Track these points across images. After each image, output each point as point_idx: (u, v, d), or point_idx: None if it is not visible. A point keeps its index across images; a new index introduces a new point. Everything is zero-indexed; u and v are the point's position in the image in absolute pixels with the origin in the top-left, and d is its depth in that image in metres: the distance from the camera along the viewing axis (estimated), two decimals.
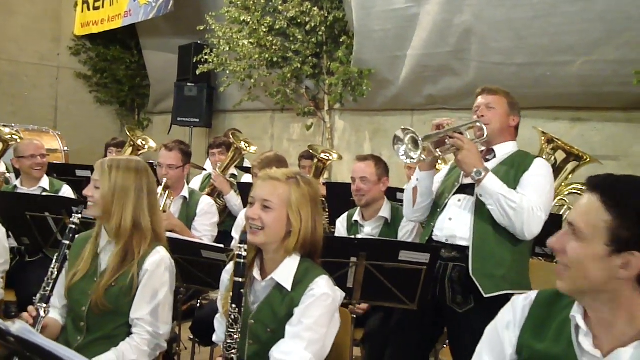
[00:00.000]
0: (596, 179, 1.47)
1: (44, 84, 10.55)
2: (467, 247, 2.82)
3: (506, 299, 2.75)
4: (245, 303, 2.12)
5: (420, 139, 2.78)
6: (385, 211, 3.69)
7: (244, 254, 2.06)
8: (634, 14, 4.53)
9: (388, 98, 6.73)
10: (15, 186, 4.46)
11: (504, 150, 2.98)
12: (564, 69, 5.04)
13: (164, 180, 3.98)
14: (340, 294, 2.15)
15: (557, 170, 4.06)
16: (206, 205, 4.09)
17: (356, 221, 3.75)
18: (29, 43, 10.29)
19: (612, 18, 4.67)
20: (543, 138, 4.17)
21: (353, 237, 3.39)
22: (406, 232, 3.63)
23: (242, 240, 2.08)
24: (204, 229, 4.02)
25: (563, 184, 4.04)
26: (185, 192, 4.12)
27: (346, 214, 3.86)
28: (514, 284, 2.78)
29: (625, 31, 4.62)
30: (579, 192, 4.25)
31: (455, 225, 2.90)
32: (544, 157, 4.03)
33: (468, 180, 2.89)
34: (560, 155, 4.10)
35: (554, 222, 3.74)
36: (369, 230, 3.69)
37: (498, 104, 2.97)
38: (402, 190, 4.54)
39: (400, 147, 2.87)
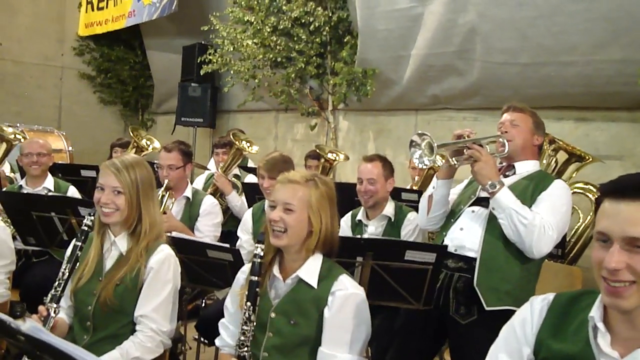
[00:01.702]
0: (633, 185, 1.40)
1: (48, 84, 10.57)
2: (474, 259, 2.82)
3: (509, 314, 2.78)
4: (266, 298, 2.20)
5: (436, 145, 2.79)
6: (388, 210, 3.70)
7: (261, 253, 2.16)
8: (638, 13, 4.52)
9: (392, 98, 6.72)
10: (21, 186, 4.48)
11: (525, 167, 2.98)
12: (568, 68, 5.03)
13: (166, 181, 3.98)
14: (362, 290, 2.21)
15: (559, 172, 4.06)
16: (209, 206, 4.09)
17: (360, 220, 3.76)
18: (33, 43, 10.31)
19: (617, 18, 4.65)
20: (545, 139, 4.17)
21: (359, 236, 3.39)
22: (408, 230, 3.64)
23: (259, 240, 2.19)
24: (206, 229, 4.02)
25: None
26: (188, 192, 4.12)
27: (350, 213, 3.87)
28: (518, 301, 2.73)
29: (629, 31, 4.60)
30: (582, 192, 4.24)
31: (466, 235, 2.91)
32: (545, 158, 4.03)
33: (485, 194, 2.88)
34: (562, 156, 4.10)
35: None
36: (372, 229, 3.70)
37: (523, 122, 2.98)
38: (406, 190, 4.58)
39: (416, 151, 2.89)
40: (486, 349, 1.76)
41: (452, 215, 3.07)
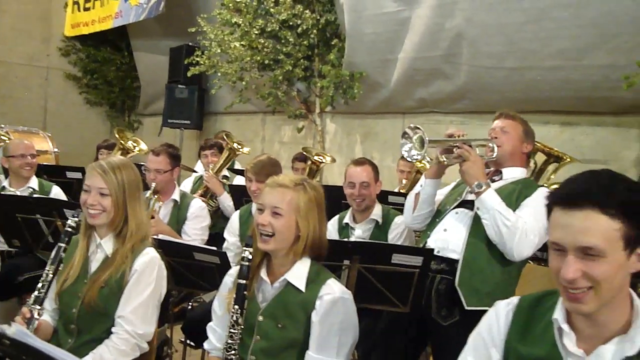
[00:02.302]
0: (580, 193, 1.42)
1: (34, 85, 10.49)
2: (456, 260, 2.85)
3: None
4: (254, 302, 2.20)
5: (427, 139, 2.81)
6: (376, 213, 3.70)
7: (250, 256, 2.16)
8: (624, 19, 4.57)
9: (379, 101, 6.74)
10: (4, 187, 4.44)
11: (512, 174, 3.02)
12: (555, 73, 5.07)
13: (153, 185, 3.96)
14: (350, 294, 2.22)
15: (538, 172, 4.07)
16: (197, 209, 4.08)
17: (347, 224, 3.76)
18: (18, 43, 10.24)
19: (603, 23, 4.69)
20: None
21: (346, 240, 3.39)
22: (396, 234, 3.65)
23: (247, 244, 2.18)
24: (194, 233, 4.00)
25: (545, 184, 4.05)
26: (176, 195, 4.10)
27: (337, 216, 3.87)
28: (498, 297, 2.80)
29: (615, 37, 4.65)
30: None
31: (449, 236, 2.94)
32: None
33: (471, 197, 2.92)
34: (540, 157, 4.10)
35: None
36: (359, 232, 3.70)
37: (513, 129, 3.03)
38: (393, 193, 4.59)
39: (407, 144, 2.91)
40: (462, 350, 1.77)
41: (437, 215, 3.10)
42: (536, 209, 2.78)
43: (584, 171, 1.51)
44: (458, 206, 3.01)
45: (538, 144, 4.03)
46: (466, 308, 2.77)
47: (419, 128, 2.89)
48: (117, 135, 6.06)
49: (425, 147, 2.83)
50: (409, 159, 2.94)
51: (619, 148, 5.06)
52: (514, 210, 2.79)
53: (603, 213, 1.39)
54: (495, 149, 2.99)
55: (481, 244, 2.83)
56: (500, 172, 3.04)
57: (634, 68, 4.31)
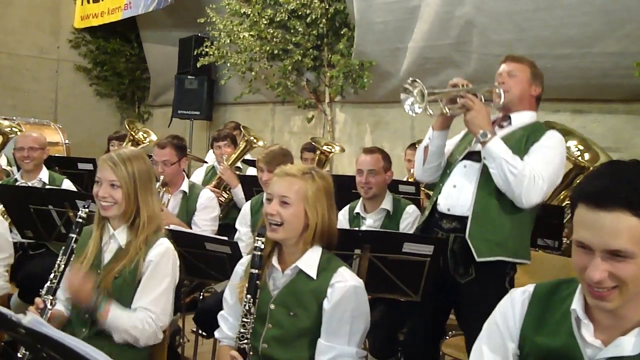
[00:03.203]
0: (609, 193, 1.36)
1: (44, 77, 10.54)
2: (467, 217, 2.83)
3: (503, 268, 2.79)
4: (265, 290, 2.21)
5: (427, 92, 2.75)
6: (387, 203, 3.70)
7: (262, 246, 2.15)
8: (634, 6, 4.52)
9: (389, 90, 6.71)
10: (16, 179, 4.47)
11: (521, 119, 2.94)
12: (565, 61, 5.03)
13: (161, 177, 3.96)
14: (361, 282, 2.22)
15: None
16: (206, 200, 4.06)
17: (358, 213, 3.76)
18: (29, 36, 10.28)
19: (613, 10, 4.65)
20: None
21: (357, 229, 3.40)
22: (407, 224, 3.64)
23: (260, 234, 2.17)
24: (204, 224, 4.00)
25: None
26: (184, 187, 4.09)
27: (348, 206, 3.87)
28: (510, 252, 2.79)
29: (625, 23, 4.61)
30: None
31: (459, 193, 2.90)
32: None
33: (479, 147, 2.86)
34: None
35: (555, 214, 3.75)
36: (370, 222, 3.71)
37: (521, 72, 2.94)
38: (404, 183, 4.59)
39: (408, 98, 2.85)
40: (481, 306, 1.74)
41: (447, 167, 3.05)
42: (545, 154, 2.76)
43: (609, 162, 1.46)
44: (466, 157, 2.96)
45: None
46: (477, 260, 2.75)
47: (417, 81, 2.82)
48: (127, 127, 6.08)
49: (425, 99, 2.76)
50: (411, 113, 2.85)
51: (630, 135, 5.03)
52: (523, 157, 2.76)
53: (634, 214, 1.34)
54: (502, 94, 2.90)
55: (490, 196, 2.80)
56: (509, 118, 2.97)
57: None
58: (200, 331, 3.68)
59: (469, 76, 5.78)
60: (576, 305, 1.51)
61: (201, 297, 4.17)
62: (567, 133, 3.90)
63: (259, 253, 2.15)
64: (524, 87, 2.94)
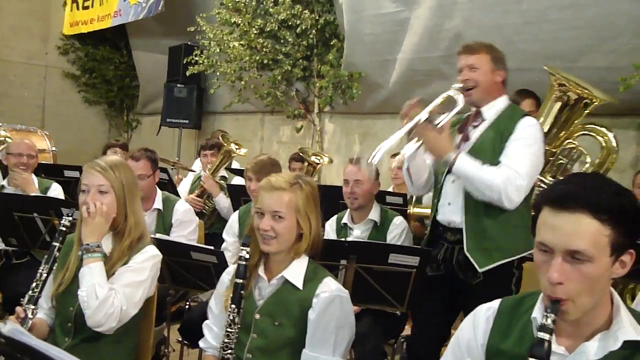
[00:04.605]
0: (572, 196, 1.42)
1: (32, 83, 10.48)
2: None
3: (510, 268, 2.84)
4: (250, 299, 2.20)
5: (373, 159, 2.76)
6: (374, 214, 3.70)
7: (247, 256, 2.16)
8: (620, 22, 4.59)
9: (378, 101, 6.74)
10: (3, 186, 4.43)
11: (493, 110, 2.91)
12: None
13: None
14: (347, 292, 2.22)
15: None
16: (181, 214, 3.92)
17: (345, 224, 3.76)
18: (17, 42, 10.23)
19: (600, 26, 4.71)
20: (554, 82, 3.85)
21: (343, 240, 3.40)
22: (395, 235, 3.64)
23: (245, 243, 2.17)
24: (181, 239, 3.88)
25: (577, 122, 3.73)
26: (158, 203, 3.93)
27: (335, 216, 3.87)
28: (511, 252, 2.81)
29: (612, 39, 4.67)
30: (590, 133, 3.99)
31: (454, 209, 2.91)
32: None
33: None
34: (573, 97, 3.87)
35: None
36: (358, 233, 3.70)
37: (481, 63, 2.87)
38: (391, 194, 4.59)
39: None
40: None
41: (436, 181, 3.05)
42: (520, 148, 2.75)
43: (573, 173, 1.53)
44: (450, 171, 2.90)
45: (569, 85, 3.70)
46: (480, 271, 2.78)
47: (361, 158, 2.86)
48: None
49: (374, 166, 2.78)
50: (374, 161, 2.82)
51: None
52: (500, 154, 2.75)
53: (595, 218, 1.39)
54: (459, 99, 2.86)
55: (477, 206, 2.81)
56: (481, 114, 2.93)
57: (631, 70, 4.31)
58: (185, 341, 3.65)
59: None
60: (537, 313, 1.55)
61: (187, 306, 4.14)
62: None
63: (244, 263, 2.15)
64: (488, 77, 2.87)
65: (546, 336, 1.40)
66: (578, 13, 4.79)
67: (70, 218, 2.40)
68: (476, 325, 1.68)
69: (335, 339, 2.13)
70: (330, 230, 3.79)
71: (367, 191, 3.64)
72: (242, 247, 2.16)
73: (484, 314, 1.68)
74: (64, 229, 2.38)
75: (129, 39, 10.55)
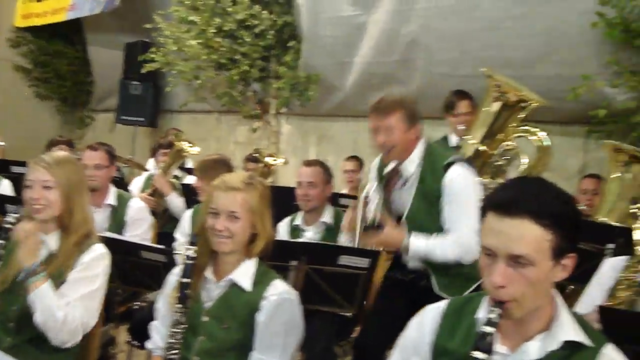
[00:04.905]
0: (515, 201, 1.44)
1: None
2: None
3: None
4: (198, 301, 2.18)
5: None
6: (327, 216, 3.72)
7: (193, 255, 2.14)
8: (571, 32, 4.73)
9: (335, 104, 6.78)
10: None
11: (410, 168, 2.94)
12: None
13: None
14: (296, 295, 2.22)
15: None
16: (135, 212, 3.85)
17: (297, 225, 3.77)
18: None
19: (552, 36, 4.84)
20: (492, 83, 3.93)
21: (293, 240, 3.40)
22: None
23: (192, 242, 2.16)
24: (135, 239, 3.82)
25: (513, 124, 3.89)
26: (111, 199, 3.83)
27: (288, 218, 3.86)
28: (477, 275, 2.86)
29: (562, 49, 4.81)
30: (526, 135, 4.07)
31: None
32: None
33: None
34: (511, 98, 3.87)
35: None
36: (310, 235, 3.71)
37: (397, 124, 2.86)
38: (343, 196, 4.61)
39: None
40: None
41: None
42: (455, 210, 2.82)
43: (516, 177, 1.56)
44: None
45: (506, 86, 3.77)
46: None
47: None
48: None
49: None
50: None
51: (564, 156, 5.20)
52: (441, 211, 2.84)
53: (537, 223, 1.42)
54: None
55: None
56: (400, 174, 2.98)
57: (580, 80, 4.44)
58: (135, 342, 3.60)
59: (413, 93, 5.89)
60: (481, 314, 1.59)
61: (137, 307, 4.08)
62: None
63: (190, 262, 2.13)
64: (403, 137, 2.87)
65: (491, 330, 1.44)
66: (530, 22, 4.91)
67: (16, 215, 2.36)
68: (423, 324, 1.70)
69: (283, 342, 2.13)
70: (282, 232, 3.78)
71: (320, 193, 3.65)
72: (188, 247, 2.15)
73: (431, 313, 1.71)
74: (8, 225, 2.33)
75: (85, 33, 10.31)
